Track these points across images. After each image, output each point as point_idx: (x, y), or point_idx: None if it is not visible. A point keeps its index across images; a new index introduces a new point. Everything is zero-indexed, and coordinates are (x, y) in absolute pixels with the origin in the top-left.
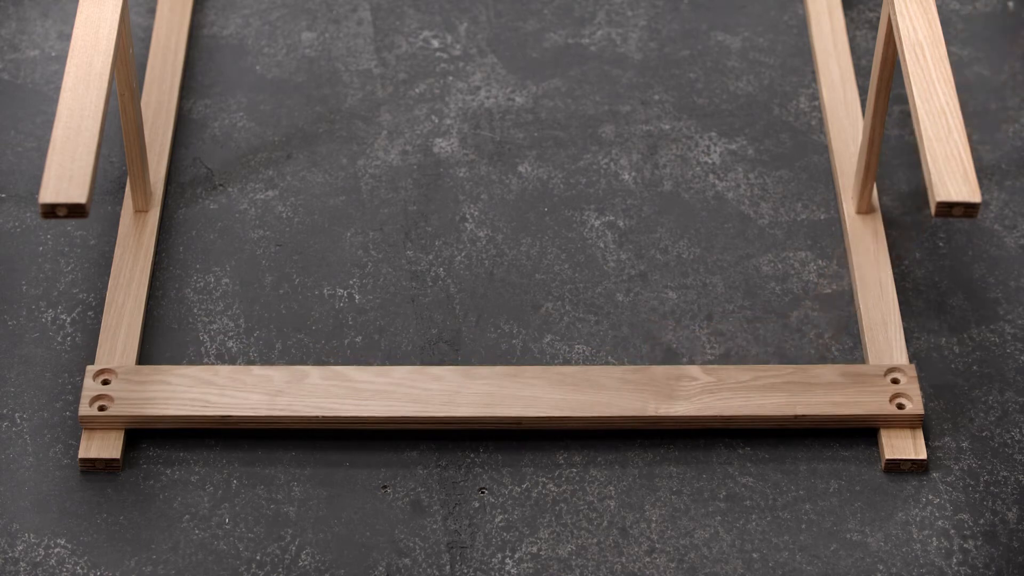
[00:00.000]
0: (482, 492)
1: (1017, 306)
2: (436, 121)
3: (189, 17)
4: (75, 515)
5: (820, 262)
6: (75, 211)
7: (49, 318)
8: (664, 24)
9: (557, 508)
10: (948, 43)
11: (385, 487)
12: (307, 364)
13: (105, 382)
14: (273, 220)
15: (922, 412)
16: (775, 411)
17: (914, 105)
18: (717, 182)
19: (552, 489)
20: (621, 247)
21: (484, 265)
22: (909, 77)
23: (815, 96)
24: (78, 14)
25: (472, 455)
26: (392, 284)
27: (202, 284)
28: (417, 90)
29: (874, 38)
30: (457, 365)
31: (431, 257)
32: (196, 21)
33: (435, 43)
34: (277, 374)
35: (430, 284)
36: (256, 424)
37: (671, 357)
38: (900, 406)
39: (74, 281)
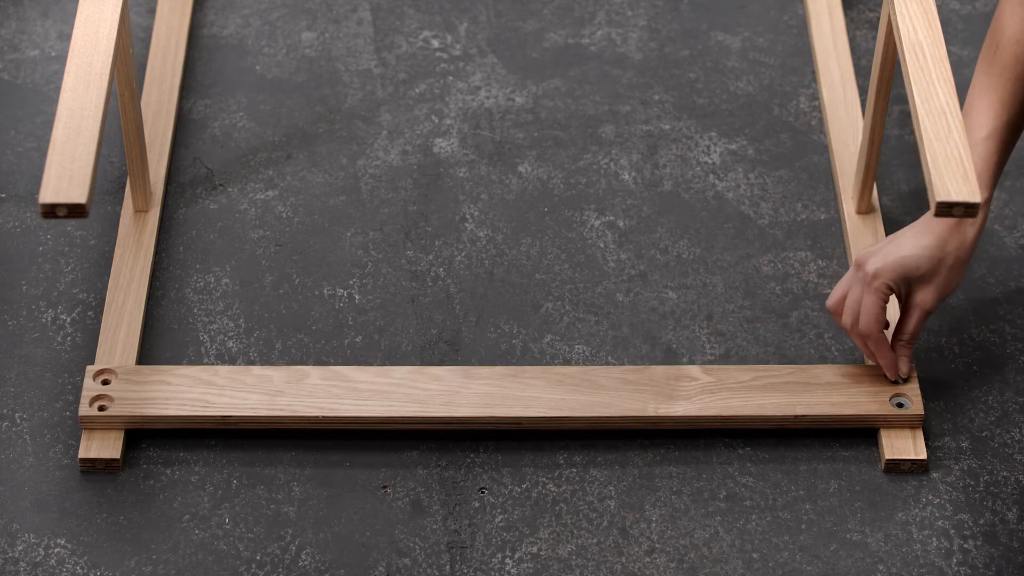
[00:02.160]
0: (482, 492)
1: (1017, 306)
2: (436, 121)
3: (189, 17)
4: (75, 515)
5: (820, 262)
6: (75, 211)
7: (49, 318)
8: (664, 24)
9: (557, 508)
10: (948, 43)
11: (385, 487)
12: (307, 364)
13: (105, 382)
14: (273, 220)
15: (922, 412)
16: (775, 411)
17: (914, 105)
18: (717, 182)
19: (552, 489)
20: (621, 247)
21: (484, 265)
22: (909, 77)
23: (815, 96)
24: (78, 14)
25: (472, 455)
26: (392, 284)
27: (202, 284)
28: (417, 90)
29: (874, 38)
30: (457, 365)
31: (431, 257)
32: (196, 21)
33: (435, 43)
34: (277, 374)
35: (430, 284)
36: (256, 424)
37: (671, 357)
38: (900, 405)
39: (74, 281)
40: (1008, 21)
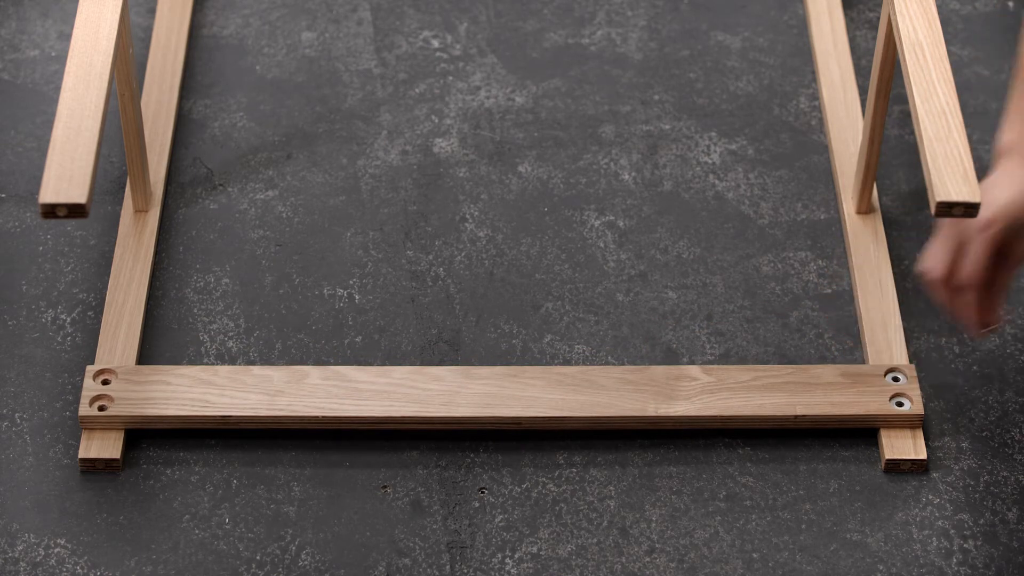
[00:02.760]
0: (482, 492)
1: (1017, 306)
2: (436, 121)
3: (189, 17)
4: (75, 515)
5: (820, 262)
6: (75, 211)
7: (49, 318)
8: (664, 24)
9: (557, 508)
10: (948, 43)
11: (385, 487)
12: (307, 364)
13: (105, 382)
14: (273, 220)
15: (922, 412)
16: (775, 411)
17: (914, 105)
18: (717, 182)
19: (552, 489)
20: (621, 247)
21: (484, 265)
22: (909, 77)
23: (815, 96)
24: (78, 14)
25: (472, 455)
26: (392, 284)
27: (202, 284)
28: (417, 90)
29: (874, 38)
30: (457, 365)
31: (431, 257)
32: (196, 21)
33: (435, 43)
34: (277, 374)
35: (430, 284)
36: (256, 424)
37: (671, 357)
38: (900, 405)
39: (74, 281)
40: None
